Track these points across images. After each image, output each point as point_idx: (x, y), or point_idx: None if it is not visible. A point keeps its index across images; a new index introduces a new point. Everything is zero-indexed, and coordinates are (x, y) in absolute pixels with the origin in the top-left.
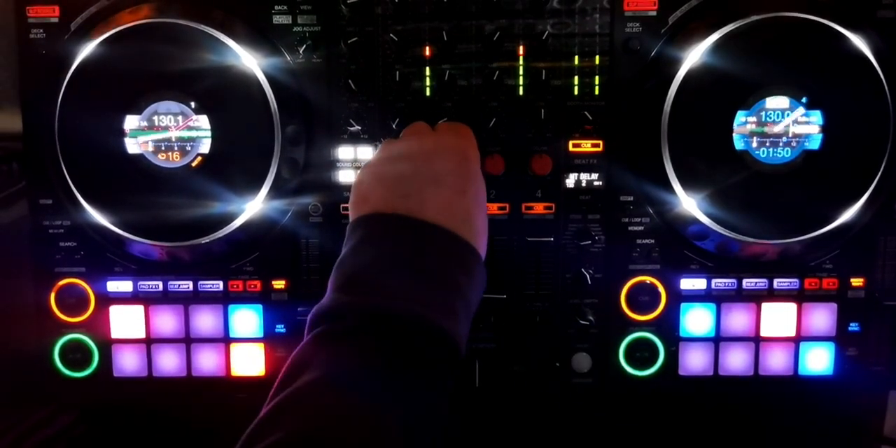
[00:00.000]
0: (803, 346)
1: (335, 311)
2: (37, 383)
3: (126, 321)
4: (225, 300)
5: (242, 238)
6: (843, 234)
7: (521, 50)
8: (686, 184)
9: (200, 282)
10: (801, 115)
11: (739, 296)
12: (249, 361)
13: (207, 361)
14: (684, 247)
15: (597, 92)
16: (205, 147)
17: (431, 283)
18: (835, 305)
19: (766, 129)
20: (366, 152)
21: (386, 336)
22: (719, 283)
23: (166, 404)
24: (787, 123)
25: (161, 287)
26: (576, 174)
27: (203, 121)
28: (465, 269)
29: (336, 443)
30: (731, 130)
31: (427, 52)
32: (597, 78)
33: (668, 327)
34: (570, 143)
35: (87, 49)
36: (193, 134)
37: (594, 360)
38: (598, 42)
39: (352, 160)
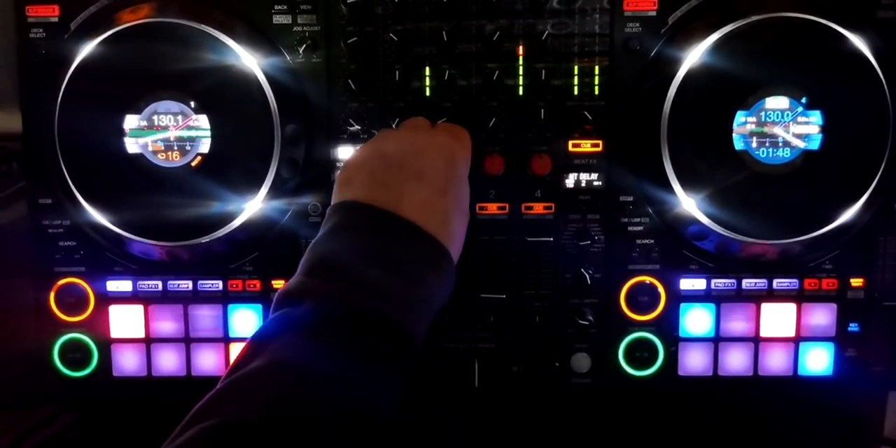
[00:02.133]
0: (803, 346)
1: (300, 295)
2: (37, 383)
3: (126, 321)
4: (224, 300)
5: (242, 238)
6: (843, 235)
7: (520, 50)
8: (686, 184)
9: (200, 281)
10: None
11: (739, 296)
12: None
13: (207, 361)
14: (684, 247)
15: (596, 92)
16: (204, 147)
17: (398, 280)
18: (834, 306)
19: (765, 129)
20: None
21: (344, 329)
22: (719, 283)
23: (166, 404)
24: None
25: (161, 287)
26: (575, 174)
27: (203, 120)
28: (434, 269)
29: (271, 433)
30: (730, 131)
31: (427, 52)
32: (596, 78)
33: (668, 327)
34: (570, 143)
35: (86, 48)
36: (193, 134)
37: (594, 360)
38: (597, 42)
39: None
